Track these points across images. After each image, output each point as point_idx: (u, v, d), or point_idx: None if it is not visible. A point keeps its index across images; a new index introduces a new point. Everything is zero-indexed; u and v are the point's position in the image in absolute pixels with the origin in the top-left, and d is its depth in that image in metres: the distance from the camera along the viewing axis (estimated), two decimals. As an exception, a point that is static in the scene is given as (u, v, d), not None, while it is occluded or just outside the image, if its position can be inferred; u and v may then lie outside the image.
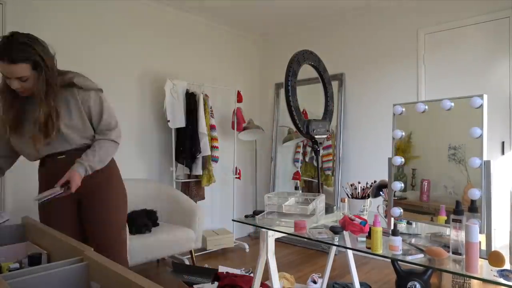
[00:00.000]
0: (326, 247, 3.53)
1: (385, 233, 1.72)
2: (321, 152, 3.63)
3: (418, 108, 1.62)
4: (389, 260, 1.52)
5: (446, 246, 1.41)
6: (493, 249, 1.33)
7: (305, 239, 1.88)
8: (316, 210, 1.76)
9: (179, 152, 3.40)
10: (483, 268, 1.27)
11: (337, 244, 1.53)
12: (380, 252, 1.43)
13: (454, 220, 1.31)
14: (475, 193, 1.38)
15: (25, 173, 2.68)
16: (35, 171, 2.73)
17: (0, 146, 1.71)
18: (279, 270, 2.01)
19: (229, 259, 3.47)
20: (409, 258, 1.36)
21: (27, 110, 1.59)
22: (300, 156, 4.02)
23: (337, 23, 3.84)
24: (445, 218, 1.59)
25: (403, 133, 1.69)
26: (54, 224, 1.62)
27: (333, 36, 3.87)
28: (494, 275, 1.20)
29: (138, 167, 3.38)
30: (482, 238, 1.30)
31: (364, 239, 1.51)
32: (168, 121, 3.26)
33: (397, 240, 1.40)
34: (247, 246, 3.79)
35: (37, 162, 1.82)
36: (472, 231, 1.23)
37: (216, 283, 2.63)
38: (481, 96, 1.41)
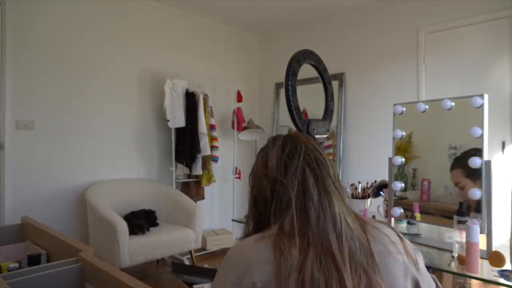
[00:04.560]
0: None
1: (385, 233, 1.72)
2: (321, 152, 3.63)
3: (418, 108, 1.62)
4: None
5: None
6: (493, 249, 1.32)
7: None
8: (316, 210, 1.76)
9: (179, 152, 3.39)
10: (484, 268, 1.27)
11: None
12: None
13: (459, 222, 1.31)
14: (476, 193, 1.38)
15: (25, 173, 2.68)
16: (34, 171, 2.74)
17: None
18: (279, 270, 2.02)
19: (229, 259, 3.47)
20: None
21: None
22: (300, 156, 4.02)
23: (337, 23, 3.84)
24: (420, 215, 1.60)
25: (404, 133, 1.68)
26: None
27: (333, 36, 3.86)
28: (494, 275, 1.20)
29: (138, 167, 3.37)
30: (482, 238, 1.30)
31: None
32: (168, 120, 3.26)
33: None
34: (247, 246, 3.78)
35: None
36: (472, 231, 1.23)
37: (216, 283, 2.63)
38: (481, 96, 1.40)
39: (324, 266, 0.62)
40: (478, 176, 1.40)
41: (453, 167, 1.51)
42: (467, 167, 1.42)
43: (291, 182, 0.71)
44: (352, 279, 0.61)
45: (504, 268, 1.24)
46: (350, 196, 2.07)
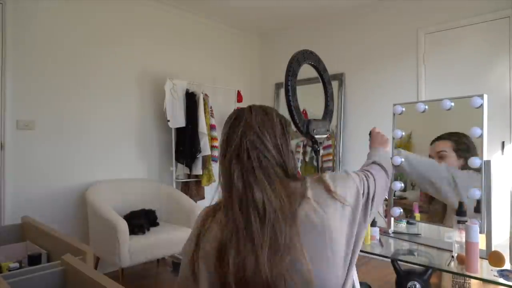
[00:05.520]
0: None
1: (385, 233, 1.72)
2: (321, 152, 3.63)
3: (418, 108, 1.62)
4: (389, 260, 1.52)
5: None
6: (493, 248, 1.32)
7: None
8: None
9: (179, 152, 3.40)
10: (483, 268, 1.27)
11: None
12: (368, 243, 1.49)
13: (458, 222, 1.31)
14: (475, 193, 1.38)
15: (25, 173, 2.69)
16: (35, 170, 2.74)
17: None
18: (279, 270, 2.02)
19: (229, 259, 3.46)
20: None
21: None
22: (300, 156, 4.02)
23: (337, 23, 3.84)
24: (419, 215, 1.61)
25: (403, 133, 1.68)
26: None
27: (333, 36, 3.86)
28: (494, 275, 1.20)
29: (138, 167, 3.37)
30: (482, 237, 1.30)
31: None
32: (168, 120, 3.26)
33: (374, 231, 1.55)
34: (247, 246, 3.78)
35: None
36: (472, 231, 1.23)
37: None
38: (481, 96, 1.40)
39: (243, 249, 0.72)
40: (468, 153, 1.42)
41: (442, 137, 1.52)
42: (459, 142, 1.44)
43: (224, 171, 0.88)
44: (270, 259, 0.69)
45: (503, 268, 1.24)
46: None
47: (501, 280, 1.17)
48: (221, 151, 0.88)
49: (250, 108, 0.87)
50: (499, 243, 1.42)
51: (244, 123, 0.83)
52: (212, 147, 3.55)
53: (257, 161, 0.79)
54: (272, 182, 0.77)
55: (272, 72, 4.42)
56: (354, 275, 0.78)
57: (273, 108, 0.91)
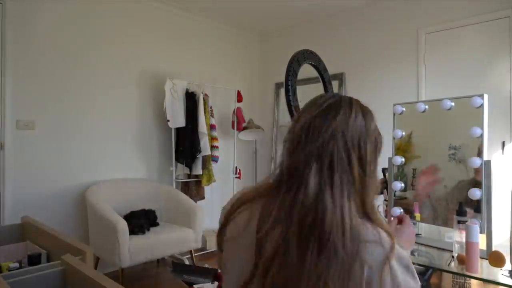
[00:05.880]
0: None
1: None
2: (321, 152, 3.62)
3: (418, 108, 1.62)
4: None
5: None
6: (493, 248, 1.32)
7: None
8: (316, 210, 1.76)
9: (179, 152, 3.39)
10: (484, 268, 1.27)
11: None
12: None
13: (459, 222, 1.31)
14: (476, 193, 1.38)
15: (25, 173, 2.68)
16: (35, 170, 2.74)
17: None
18: (279, 270, 2.02)
19: (229, 259, 3.47)
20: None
21: None
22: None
23: (337, 23, 3.84)
24: (420, 215, 1.60)
25: (404, 133, 1.68)
26: None
27: (333, 36, 3.86)
28: (502, 274, 1.20)
29: (138, 166, 3.37)
30: (482, 237, 1.30)
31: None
32: (168, 120, 3.26)
33: None
34: (247, 246, 3.78)
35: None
36: (472, 231, 1.23)
37: (216, 283, 2.63)
38: (481, 96, 1.40)
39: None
40: None
41: None
42: None
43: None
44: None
45: (504, 268, 1.24)
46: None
47: (501, 280, 1.17)
48: (293, 137, 0.65)
49: (351, 102, 0.68)
50: (499, 243, 1.42)
51: (340, 120, 0.64)
52: (212, 147, 3.55)
53: (339, 178, 0.60)
54: (346, 215, 0.58)
55: (272, 72, 4.41)
56: None
57: (373, 115, 0.71)
